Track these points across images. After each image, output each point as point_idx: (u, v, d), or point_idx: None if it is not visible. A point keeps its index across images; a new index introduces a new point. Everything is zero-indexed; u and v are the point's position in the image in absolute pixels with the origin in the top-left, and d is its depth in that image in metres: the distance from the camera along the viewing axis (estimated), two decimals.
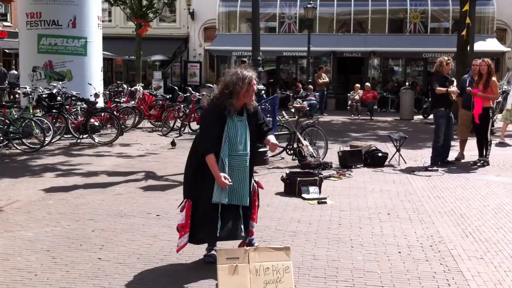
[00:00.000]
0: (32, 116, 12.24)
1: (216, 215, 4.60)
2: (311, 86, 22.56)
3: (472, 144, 10.77)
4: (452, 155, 10.85)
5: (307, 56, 24.89)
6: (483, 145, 10.22)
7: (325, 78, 23.66)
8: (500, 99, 16.46)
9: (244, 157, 4.67)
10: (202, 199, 4.65)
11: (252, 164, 4.81)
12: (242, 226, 4.72)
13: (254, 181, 4.88)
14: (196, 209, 4.69)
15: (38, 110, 13.01)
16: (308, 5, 24.20)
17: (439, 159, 10.15)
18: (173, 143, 12.30)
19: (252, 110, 4.73)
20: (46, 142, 11.82)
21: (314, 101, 21.15)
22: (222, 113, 4.57)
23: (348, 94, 22.77)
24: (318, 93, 22.33)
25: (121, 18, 30.40)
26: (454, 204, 7.28)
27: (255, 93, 4.78)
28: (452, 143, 10.79)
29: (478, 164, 10.14)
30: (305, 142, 10.24)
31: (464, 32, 17.54)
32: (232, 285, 3.99)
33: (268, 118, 9.77)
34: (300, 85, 24.10)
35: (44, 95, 13.23)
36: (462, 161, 10.64)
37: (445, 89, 9.78)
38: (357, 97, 21.82)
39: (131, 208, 6.88)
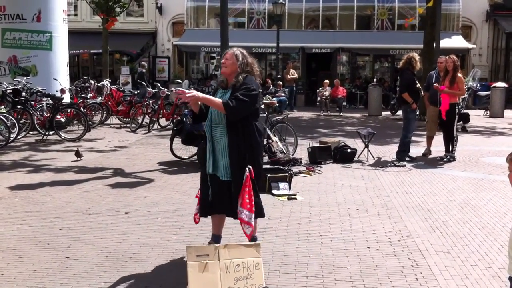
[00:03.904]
0: None
1: (207, 184, 4.81)
2: (280, 82, 22.61)
3: (439, 140, 10.95)
4: (419, 151, 11.03)
5: (276, 52, 24.93)
6: (450, 141, 10.39)
7: (293, 74, 23.74)
8: (466, 95, 16.79)
9: (219, 129, 4.68)
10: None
11: (236, 140, 4.62)
12: (232, 204, 4.70)
13: (248, 167, 4.63)
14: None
15: (3, 106, 12.74)
16: (277, 1, 24.21)
17: (406, 154, 10.30)
18: (77, 154, 10.28)
19: (233, 86, 4.68)
20: (11, 138, 11.61)
21: (284, 97, 21.21)
22: (216, 88, 4.93)
23: (317, 90, 22.89)
24: (287, 89, 22.39)
25: (87, 12, 29.91)
26: (421, 199, 7.39)
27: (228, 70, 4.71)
28: (419, 138, 10.96)
29: (445, 159, 10.31)
30: (275, 138, 10.27)
31: (430, 3, 17.84)
32: (202, 282, 3.97)
33: None
34: (270, 81, 24.14)
35: (8, 91, 12.96)
36: (430, 156, 10.80)
37: (411, 100, 9.97)
38: (326, 93, 21.94)
39: (99, 206, 6.80)
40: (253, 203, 4.67)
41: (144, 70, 24.09)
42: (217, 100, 4.59)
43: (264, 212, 4.98)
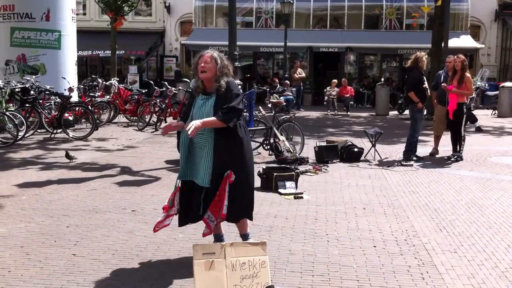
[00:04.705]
0: (4, 110, 12.04)
1: (183, 194, 4.72)
2: (287, 81, 22.60)
3: (446, 140, 10.91)
4: (427, 150, 11.00)
5: (284, 52, 24.91)
6: (457, 141, 10.35)
7: (301, 73, 23.72)
8: (474, 95, 16.72)
9: (204, 135, 4.54)
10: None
11: (223, 145, 4.55)
12: (201, 209, 4.64)
13: (227, 172, 4.56)
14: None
15: (11, 104, 12.80)
16: (285, 0, 24.19)
17: (412, 154, 10.28)
18: (68, 156, 9.82)
19: (217, 91, 4.58)
20: (19, 136, 11.66)
21: (291, 96, 21.20)
22: (193, 94, 4.78)
23: (325, 90, 22.88)
24: (294, 88, 22.38)
25: (96, 11, 30.02)
26: (428, 198, 7.37)
27: (209, 72, 4.57)
28: (427, 138, 10.92)
29: (452, 159, 10.27)
30: (282, 137, 10.27)
31: (439, 2, 17.78)
32: (208, 280, 3.98)
33: (245, 113, 9.73)
34: (277, 80, 24.15)
35: (17, 89, 13.03)
36: (437, 156, 10.77)
37: (417, 100, 9.98)
38: (334, 92, 21.92)
39: (106, 204, 6.82)
40: (224, 207, 4.58)
41: (179, 69, 24.45)
42: (213, 119, 4.47)
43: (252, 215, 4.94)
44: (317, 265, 4.78)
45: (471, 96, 11.64)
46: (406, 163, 9.89)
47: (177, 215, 4.80)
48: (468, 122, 15.22)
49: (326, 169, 9.34)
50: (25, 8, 14.57)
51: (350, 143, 10.71)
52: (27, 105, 12.85)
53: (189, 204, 4.71)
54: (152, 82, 19.93)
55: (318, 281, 4.43)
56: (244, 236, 4.89)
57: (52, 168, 9.26)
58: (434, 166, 9.89)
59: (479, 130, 15.33)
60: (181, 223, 4.84)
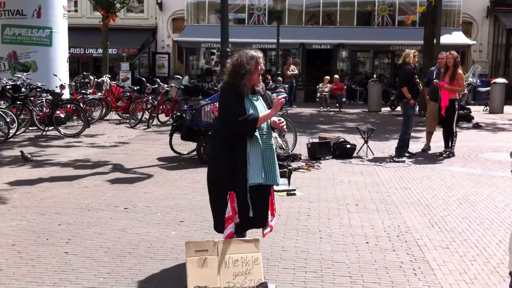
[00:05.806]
0: None
1: (246, 200, 4.43)
2: (280, 78, 22.60)
3: (438, 136, 10.95)
4: (419, 146, 11.03)
5: (277, 48, 24.89)
6: (449, 137, 10.39)
7: (294, 70, 23.71)
8: (465, 91, 16.81)
9: (269, 135, 4.60)
10: (237, 187, 4.43)
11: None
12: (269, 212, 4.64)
13: None
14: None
15: (2, 102, 12.72)
16: None
17: (404, 150, 10.31)
18: (24, 157, 9.49)
19: (262, 92, 4.68)
20: (11, 134, 11.60)
21: (284, 93, 21.18)
22: (239, 94, 4.48)
23: (317, 86, 22.89)
24: (287, 85, 22.38)
25: (87, 8, 29.87)
26: (420, 194, 7.39)
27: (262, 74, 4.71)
28: (419, 134, 10.95)
29: (444, 155, 10.31)
30: (274, 134, 10.25)
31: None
32: (201, 277, 3.98)
33: None
34: (270, 77, 24.13)
35: (8, 87, 12.94)
36: (429, 152, 10.80)
37: (409, 96, 10.06)
38: (326, 89, 21.93)
39: (98, 202, 6.80)
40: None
41: (209, 66, 24.46)
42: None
43: None
44: (310, 261, 4.79)
45: (462, 93, 11.68)
46: (398, 159, 9.91)
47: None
48: (465, 122, 15.42)
49: (318, 166, 9.35)
50: (16, 5, 14.49)
51: (342, 139, 10.72)
52: (18, 102, 12.76)
53: (256, 209, 4.49)
54: (144, 79, 19.86)
55: (311, 278, 4.44)
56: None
57: (44, 165, 9.22)
58: (426, 162, 9.92)
59: (477, 126, 15.41)
60: (241, 231, 4.56)
